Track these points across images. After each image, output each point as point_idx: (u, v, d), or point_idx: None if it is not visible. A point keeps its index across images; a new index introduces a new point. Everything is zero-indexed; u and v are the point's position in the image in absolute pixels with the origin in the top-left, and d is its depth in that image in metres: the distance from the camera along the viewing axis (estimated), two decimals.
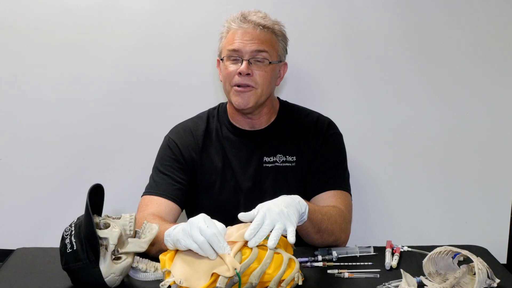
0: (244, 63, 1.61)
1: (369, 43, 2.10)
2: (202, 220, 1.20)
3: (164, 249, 1.29)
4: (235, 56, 1.62)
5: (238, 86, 1.62)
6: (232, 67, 1.63)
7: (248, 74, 1.61)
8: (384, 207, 2.20)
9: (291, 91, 2.13)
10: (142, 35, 2.10)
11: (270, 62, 1.64)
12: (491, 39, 2.08)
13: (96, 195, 1.30)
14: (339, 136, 1.76)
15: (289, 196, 1.32)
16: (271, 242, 1.20)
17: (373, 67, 2.12)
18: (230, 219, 1.35)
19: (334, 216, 1.53)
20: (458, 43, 2.09)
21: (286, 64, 1.75)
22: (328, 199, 1.64)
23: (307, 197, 1.67)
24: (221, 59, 1.67)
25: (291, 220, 1.23)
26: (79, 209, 1.27)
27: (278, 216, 1.22)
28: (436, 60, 2.10)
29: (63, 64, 2.11)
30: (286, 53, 1.73)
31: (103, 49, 2.11)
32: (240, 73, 1.61)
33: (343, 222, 1.56)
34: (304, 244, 1.53)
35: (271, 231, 1.22)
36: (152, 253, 1.40)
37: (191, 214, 1.77)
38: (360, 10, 2.08)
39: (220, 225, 1.21)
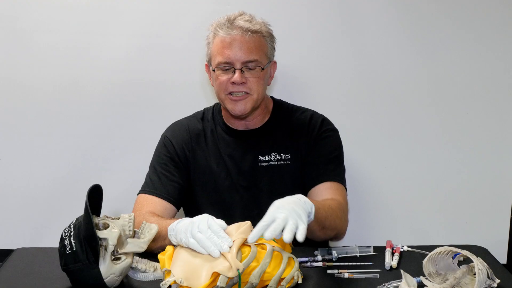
0: (237, 72, 1.60)
1: (369, 43, 2.10)
2: (204, 219, 1.23)
3: (165, 246, 1.31)
4: (227, 66, 1.62)
5: (233, 94, 1.63)
6: (224, 77, 1.62)
7: (242, 82, 1.61)
8: (384, 207, 2.19)
9: (292, 92, 2.12)
10: (140, 35, 2.10)
11: (262, 69, 1.63)
12: (491, 40, 2.08)
13: (94, 196, 1.29)
14: (334, 131, 1.75)
15: (294, 196, 1.29)
16: (287, 235, 1.16)
17: (373, 66, 2.11)
18: (226, 218, 1.34)
19: (336, 210, 1.54)
20: (458, 43, 2.09)
21: (275, 62, 1.74)
22: (325, 190, 1.63)
23: (304, 191, 1.66)
24: (213, 70, 1.65)
25: (302, 219, 1.21)
26: (79, 209, 1.27)
27: (291, 212, 1.20)
28: (435, 59, 2.10)
29: (62, 64, 2.11)
30: (274, 50, 1.72)
31: (101, 50, 2.10)
32: (233, 82, 1.61)
33: (343, 214, 1.58)
34: (304, 243, 1.52)
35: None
36: (154, 249, 1.40)
37: (188, 212, 1.78)
38: (359, 10, 2.08)
39: (219, 221, 1.25)
